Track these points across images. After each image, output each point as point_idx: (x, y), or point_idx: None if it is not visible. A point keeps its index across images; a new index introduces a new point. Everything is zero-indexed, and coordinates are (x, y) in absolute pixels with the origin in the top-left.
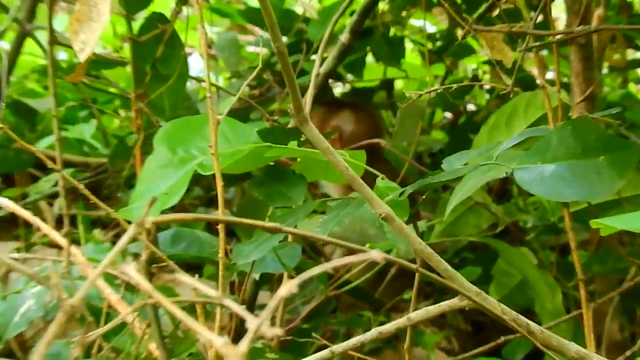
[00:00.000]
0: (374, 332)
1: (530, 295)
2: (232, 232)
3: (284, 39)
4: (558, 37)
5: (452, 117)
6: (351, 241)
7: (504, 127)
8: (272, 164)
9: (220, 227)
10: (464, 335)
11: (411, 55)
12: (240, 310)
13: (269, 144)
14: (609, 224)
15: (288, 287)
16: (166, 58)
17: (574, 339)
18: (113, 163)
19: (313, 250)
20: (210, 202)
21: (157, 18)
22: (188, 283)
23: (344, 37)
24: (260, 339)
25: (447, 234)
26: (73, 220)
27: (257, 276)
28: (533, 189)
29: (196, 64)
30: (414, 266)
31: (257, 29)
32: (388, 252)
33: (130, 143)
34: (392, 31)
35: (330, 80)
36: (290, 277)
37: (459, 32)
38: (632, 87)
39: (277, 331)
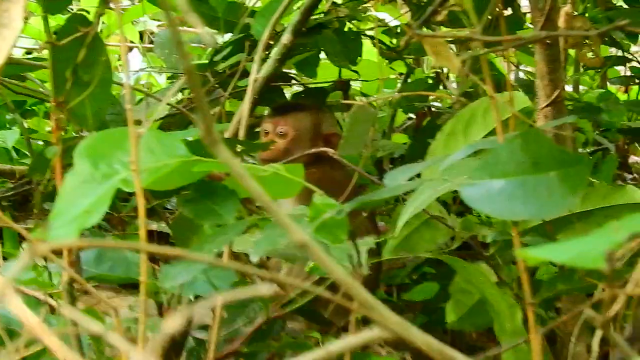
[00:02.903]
0: (323, 351)
1: (490, 315)
2: (171, 244)
3: (228, 35)
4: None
5: (416, 119)
6: (297, 257)
7: (462, 135)
8: (203, 179)
9: (141, 256)
10: (423, 356)
11: (372, 53)
12: (122, 344)
13: (198, 157)
14: (533, 255)
15: (175, 320)
16: (88, 63)
17: None
18: (32, 176)
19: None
20: (151, 213)
21: (78, 20)
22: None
23: (285, 38)
24: None
25: (402, 249)
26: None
27: (191, 297)
28: (481, 206)
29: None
30: (332, 297)
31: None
32: None
33: (50, 155)
34: (348, 27)
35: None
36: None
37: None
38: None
39: None
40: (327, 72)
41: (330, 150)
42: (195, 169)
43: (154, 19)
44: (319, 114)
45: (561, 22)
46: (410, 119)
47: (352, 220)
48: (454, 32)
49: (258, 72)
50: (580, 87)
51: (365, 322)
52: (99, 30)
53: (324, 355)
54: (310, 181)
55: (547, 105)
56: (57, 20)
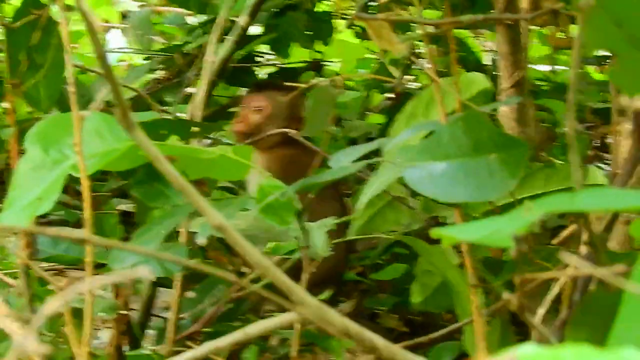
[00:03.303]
0: (241, 332)
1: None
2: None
3: (199, 18)
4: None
5: (394, 99)
6: (257, 239)
7: (422, 116)
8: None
9: (87, 249)
10: (396, 337)
11: (349, 33)
12: (8, 325)
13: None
14: (448, 235)
15: (55, 302)
16: (42, 46)
17: (501, 342)
18: None
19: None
20: (124, 194)
21: (33, 3)
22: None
23: (241, 20)
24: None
25: (365, 230)
26: None
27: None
28: (423, 188)
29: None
30: (252, 286)
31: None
32: (293, 251)
33: (4, 137)
34: (320, 7)
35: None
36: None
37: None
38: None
39: (43, 349)
40: (302, 52)
41: (291, 131)
42: (143, 152)
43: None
44: (298, 96)
45: (524, 1)
46: (389, 99)
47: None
48: (395, 13)
49: (216, 54)
50: (558, 68)
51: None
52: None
53: (242, 337)
54: (279, 163)
55: (510, 87)
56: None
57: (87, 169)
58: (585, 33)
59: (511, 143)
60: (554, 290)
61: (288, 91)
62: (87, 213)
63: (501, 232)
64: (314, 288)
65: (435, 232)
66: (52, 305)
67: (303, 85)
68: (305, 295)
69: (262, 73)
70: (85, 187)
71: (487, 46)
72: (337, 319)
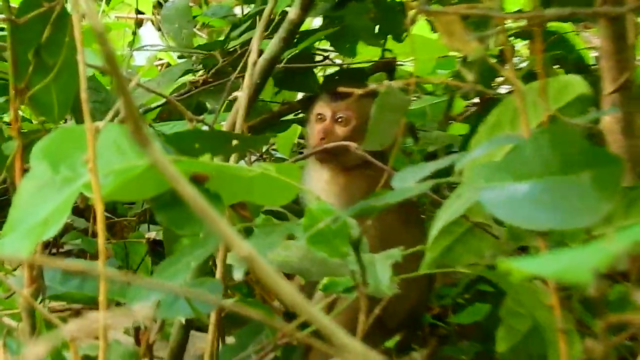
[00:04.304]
0: None
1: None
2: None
3: (248, 8)
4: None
5: (479, 106)
6: (310, 273)
7: (508, 126)
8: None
9: (101, 284)
10: None
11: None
12: None
13: (174, 156)
14: (518, 268)
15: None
16: (53, 43)
17: None
18: None
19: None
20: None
21: None
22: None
23: (292, 13)
24: None
25: (441, 263)
26: None
27: (182, 319)
28: (502, 213)
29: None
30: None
31: None
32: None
33: (8, 152)
34: None
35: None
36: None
37: None
38: None
39: None
40: (373, 50)
41: (350, 144)
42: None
43: None
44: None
45: None
46: (474, 105)
47: (402, 229)
48: (469, 6)
49: (259, 53)
50: None
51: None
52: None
53: None
54: (366, 186)
55: (613, 92)
56: None
57: (102, 188)
58: None
59: (606, 159)
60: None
61: (371, 97)
62: (100, 241)
63: (579, 265)
64: (387, 334)
65: (504, 265)
66: (35, 352)
67: (379, 89)
68: (350, 340)
69: (324, 74)
70: (99, 210)
71: (596, 43)
72: None
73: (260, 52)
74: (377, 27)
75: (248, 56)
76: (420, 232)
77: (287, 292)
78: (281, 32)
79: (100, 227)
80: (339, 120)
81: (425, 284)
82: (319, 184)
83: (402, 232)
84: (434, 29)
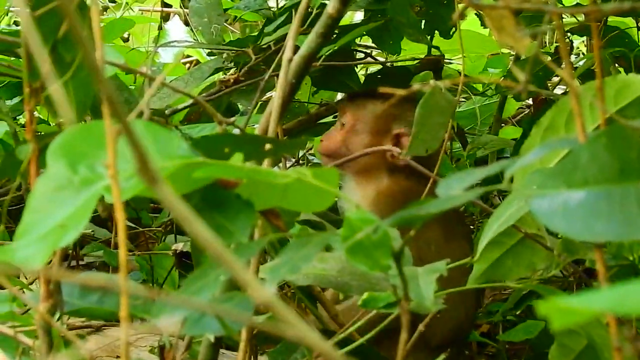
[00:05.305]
0: None
1: None
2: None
3: (284, 1)
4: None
5: (533, 107)
6: (350, 287)
7: (563, 129)
8: (211, 185)
9: (123, 298)
10: None
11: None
12: None
13: (202, 159)
14: (563, 307)
15: None
16: (71, 38)
17: None
18: (4, 178)
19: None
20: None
21: None
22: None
23: (330, 6)
24: None
25: (490, 277)
26: None
27: (211, 337)
28: (554, 223)
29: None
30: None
31: None
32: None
33: (22, 155)
34: None
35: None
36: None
37: None
38: None
39: None
40: (416, 47)
41: (394, 149)
42: (198, 173)
43: None
44: (396, 106)
45: None
46: (527, 106)
47: (448, 241)
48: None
49: (295, 50)
50: None
51: None
52: None
53: None
54: (393, 201)
55: None
56: None
57: (124, 192)
58: None
59: None
60: None
61: (381, 100)
62: (122, 252)
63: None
64: (432, 352)
65: (543, 306)
66: None
67: (401, 92)
68: None
69: (365, 73)
70: (120, 219)
71: None
72: None
73: (296, 49)
74: (423, 22)
75: (283, 53)
76: (466, 245)
77: (309, 336)
78: (319, 27)
79: (121, 237)
80: (343, 123)
81: (473, 299)
82: (357, 192)
83: (442, 247)
84: (484, 24)
